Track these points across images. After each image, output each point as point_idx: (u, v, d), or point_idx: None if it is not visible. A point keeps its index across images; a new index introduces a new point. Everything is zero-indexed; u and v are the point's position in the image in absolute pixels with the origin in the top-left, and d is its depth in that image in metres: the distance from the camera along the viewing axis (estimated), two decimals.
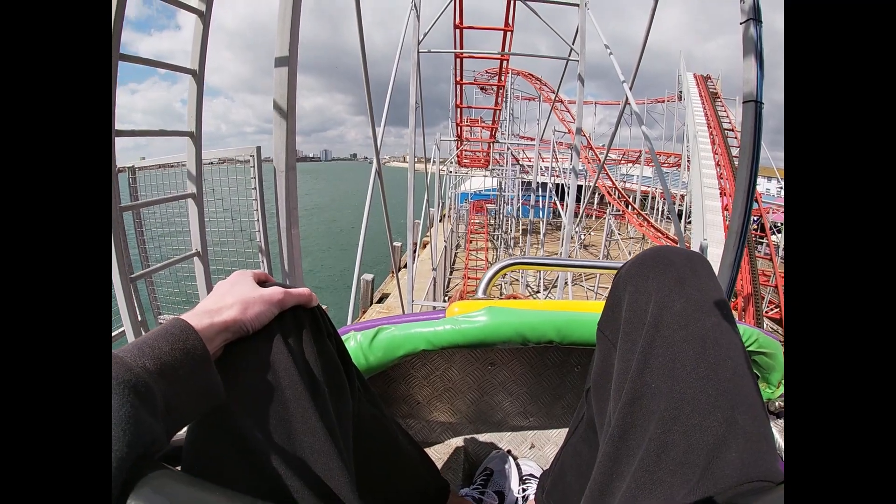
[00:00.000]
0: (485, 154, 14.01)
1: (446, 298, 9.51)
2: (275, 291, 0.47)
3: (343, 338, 0.76)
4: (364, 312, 10.14)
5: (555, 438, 0.92)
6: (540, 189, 10.44)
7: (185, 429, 0.38)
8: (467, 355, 0.88)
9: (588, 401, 0.57)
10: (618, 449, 0.43)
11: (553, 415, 0.91)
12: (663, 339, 0.44)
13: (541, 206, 11.10)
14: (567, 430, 0.64)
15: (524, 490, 0.80)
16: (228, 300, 0.44)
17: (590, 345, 0.60)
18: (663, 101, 19.05)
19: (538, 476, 0.84)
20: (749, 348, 0.73)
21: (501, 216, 13.33)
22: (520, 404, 0.91)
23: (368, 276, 10.89)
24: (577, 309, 0.79)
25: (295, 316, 0.48)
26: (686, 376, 0.41)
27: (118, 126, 1.33)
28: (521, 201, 11.75)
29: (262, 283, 0.50)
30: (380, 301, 11.01)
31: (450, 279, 11.33)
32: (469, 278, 10.42)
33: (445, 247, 8.69)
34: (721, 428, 0.38)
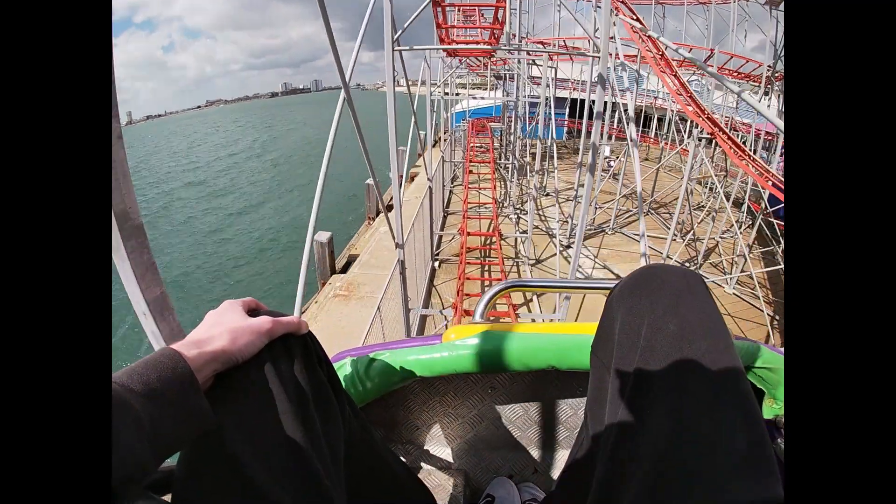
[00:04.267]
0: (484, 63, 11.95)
1: (436, 261, 7.60)
2: (264, 321, 0.48)
3: (338, 364, 0.79)
4: (323, 286, 7.74)
5: (558, 462, 0.94)
6: (552, 106, 9.26)
7: (175, 456, 0.41)
8: (466, 380, 0.89)
9: (586, 425, 0.59)
10: (612, 476, 0.44)
11: (556, 438, 0.92)
12: (658, 357, 0.44)
13: (556, 125, 9.70)
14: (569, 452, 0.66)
15: None
16: (217, 330, 0.45)
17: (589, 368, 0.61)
18: None
19: (540, 501, 0.88)
20: (753, 365, 0.74)
21: (511, 136, 11.23)
22: (521, 428, 0.93)
23: (324, 236, 8.07)
24: (576, 331, 0.78)
25: (285, 343, 0.49)
26: (682, 403, 0.42)
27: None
28: (529, 119, 10.15)
29: (252, 311, 0.51)
30: (344, 270, 8.15)
31: (440, 236, 8.53)
32: (469, 234, 7.72)
33: (430, 187, 6.91)
34: (723, 455, 0.38)
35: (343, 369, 0.78)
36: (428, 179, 7.18)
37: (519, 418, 0.91)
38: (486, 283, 6.78)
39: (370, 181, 10.00)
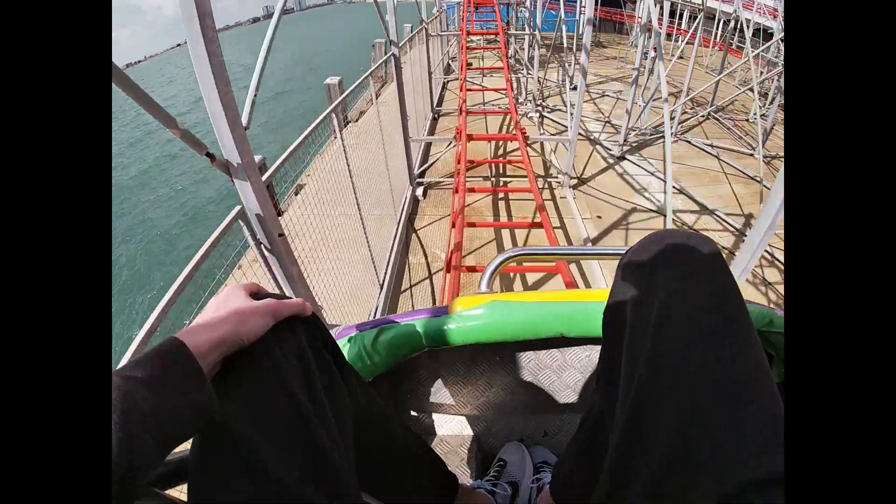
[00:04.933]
0: None
1: (419, 186, 4.96)
2: (268, 303, 0.49)
3: (345, 338, 0.80)
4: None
5: (568, 425, 0.96)
6: None
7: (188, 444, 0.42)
8: (473, 349, 0.89)
9: (598, 394, 0.59)
10: (628, 450, 0.45)
11: (565, 402, 0.94)
12: (672, 334, 0.43)
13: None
14: (580, 415, 0.67)
15: (539, 479, 0.86)
16: (222, 314, 0.46)
17: (599, 335, 0.60)
18: None
19: (552, 463, 0.90)
20: (764, 329, 0.74)
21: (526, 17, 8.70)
22: (530, 394, 0.94)
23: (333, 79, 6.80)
24: (584, 298, 0.78)
25: (290, 325, 0.51)
26: (699, 375, 0.41)
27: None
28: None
29: (255, 294, 0.52)
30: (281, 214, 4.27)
31: (428, 151, 5.96)
32: (471, 138, 4.46)
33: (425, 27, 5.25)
34: (740, 429, 0.38)
35: (351, 344, 0.79)
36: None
37: (528, 384, 0.92)
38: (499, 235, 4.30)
39: (331, 80, 8.39)
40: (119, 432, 0.31)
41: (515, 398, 0.95)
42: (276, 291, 1.00)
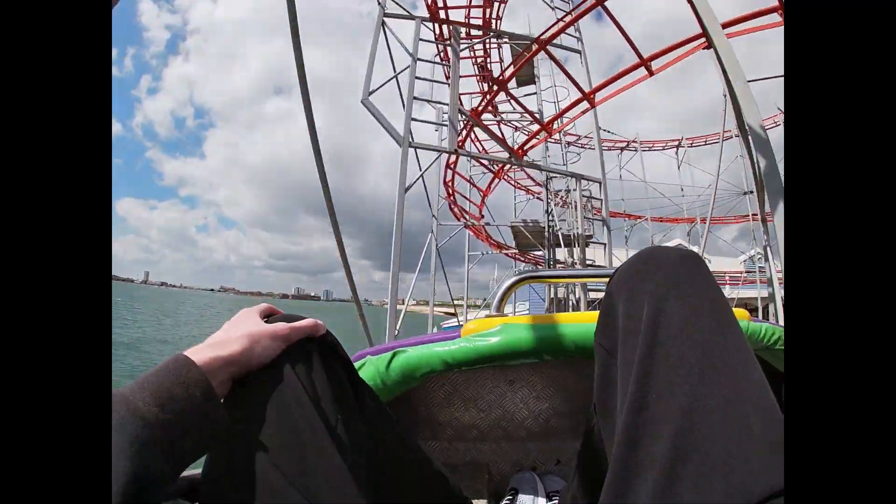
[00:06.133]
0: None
1: None
2: (281, 327, 0.49)
3: (359, 363, 0.80)
4: None
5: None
6: None
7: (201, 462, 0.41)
8: (486, 374, 0.90)
9: (595, 413, 0.58)
10: (626, 465, 0.43)
11: (578, 429, 0.91)
12: (661, 346, 0.43)
13: None
14: None
15: None
16: (233, 335, 0.46)
17: None
18: None
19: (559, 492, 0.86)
20: (770, 345, 0.75)
21: None
22: (542, 420, 0.92)
23: None
24: (593, 321, 0.74)
25: (303, 347, 0.50)
26: (690, 385, 0.40)
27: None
28: None
29: (268, 317, 0.52)
30: None
31: None
32: None
33: None
34: (735, 438, 0.37)
35: (363, 369, 0.79)
36: None
37: (540, 409, 0.91)
38: None
39: None
40: (133, 456, 0.30)
41: (527, 424, 0.93)
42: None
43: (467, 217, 10.20)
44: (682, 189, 14.29)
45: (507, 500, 0.85)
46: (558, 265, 8.15)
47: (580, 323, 0.79)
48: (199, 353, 0.41)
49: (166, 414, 0.35)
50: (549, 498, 0.86)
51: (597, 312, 0.79)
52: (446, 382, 0.91)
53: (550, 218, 8.10)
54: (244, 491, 0.38)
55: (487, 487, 0.89)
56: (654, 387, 0.42)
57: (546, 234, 8.22)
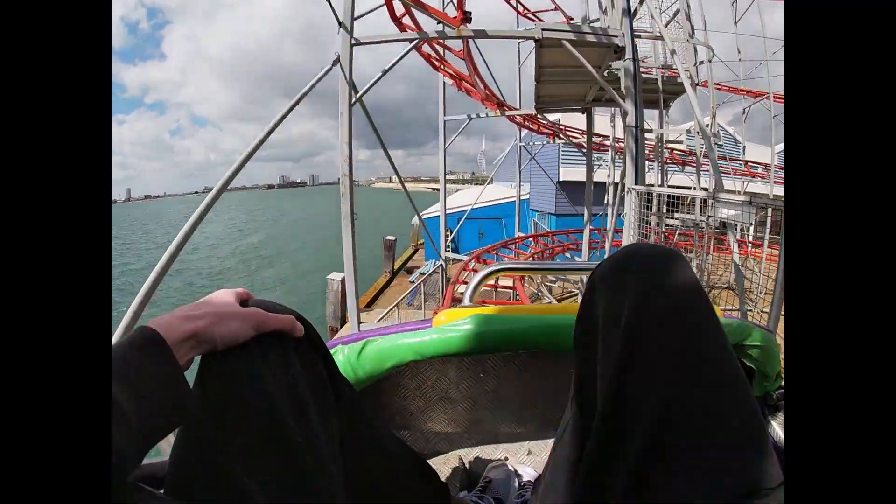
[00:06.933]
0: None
1: None
2: (254, 311, 0.47)
3: (331, 352, 0.79)
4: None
5: (552, 444, 0.96)
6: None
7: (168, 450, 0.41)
8: (458, 364, 0.91)
9: (572, 407, 0.59)
10: (602, 458, 0.44)
11: (549, 420, 0.94)
12: (641, 340, 0.44)
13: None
14: None
15: (522, 496, 0.84)
16: (202, 310, 0.45)
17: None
18: None
19: (533, 482, 0.88)
20: (743, 342, 0.75)
21: None
22: (514, 411, 0.94)
23: (337, 276, 7.92)
24: (565, 312, 0.79)
25: (279, 342, 0.49)
26: (669, 378, 0.41)
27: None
28: None
29: (245, 301, 0.51)
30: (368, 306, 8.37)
31: None
32: None
33: None
34: (713, 430, 0.38)
35: (336, 357, 0.79)
36: None
37: (512, 400, 0.92)
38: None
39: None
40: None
41: (499, 415, 0.94)
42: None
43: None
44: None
45: (479, 489, 0.87)
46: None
47: (551, 315, 0.80)
48: (166, 325, 0.41)
49: (138, 394, 0.34)
50: (521, 487, 0.88)
51: (568, 304, 0.81)
52: (419, 372, 0.91)
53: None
54: (210, 482, 0.38)
55: (460, 478, 0.90)
56: (633, 380, 0.43)
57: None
